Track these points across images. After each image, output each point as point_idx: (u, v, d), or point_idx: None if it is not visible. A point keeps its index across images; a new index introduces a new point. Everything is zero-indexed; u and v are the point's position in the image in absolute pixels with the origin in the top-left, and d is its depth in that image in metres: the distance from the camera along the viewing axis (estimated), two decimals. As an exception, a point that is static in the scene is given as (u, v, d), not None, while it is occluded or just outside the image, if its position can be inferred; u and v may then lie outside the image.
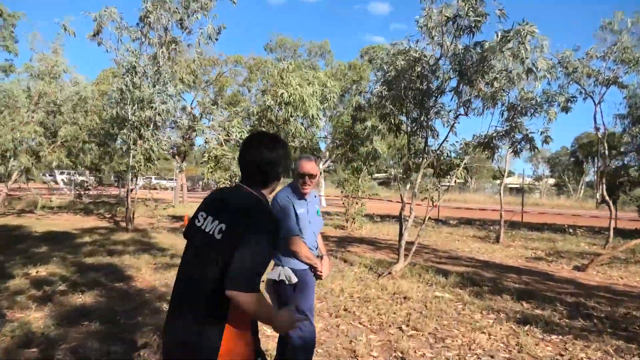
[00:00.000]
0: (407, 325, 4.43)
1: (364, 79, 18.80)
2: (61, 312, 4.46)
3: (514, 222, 16.10)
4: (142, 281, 5.98)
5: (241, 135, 9.78)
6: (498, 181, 49.47)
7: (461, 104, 6.78)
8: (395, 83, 7.09)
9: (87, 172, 19.94)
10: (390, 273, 6.61)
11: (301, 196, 2.83)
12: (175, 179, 27.31)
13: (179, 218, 15.46)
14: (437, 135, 7.41)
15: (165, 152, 19.44)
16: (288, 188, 2.87)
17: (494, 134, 7.10)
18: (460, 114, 6.79)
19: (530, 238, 13.08)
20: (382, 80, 7.37)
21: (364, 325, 4.40)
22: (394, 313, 4.81)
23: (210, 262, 1.51)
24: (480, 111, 6.95)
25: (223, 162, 9.42)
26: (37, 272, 6.28)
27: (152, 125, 11.82)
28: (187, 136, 19.53)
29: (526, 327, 4.51)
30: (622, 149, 13.53)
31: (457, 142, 7.76)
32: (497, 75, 6.42)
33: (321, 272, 2.84)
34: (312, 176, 2.79)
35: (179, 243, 9.11)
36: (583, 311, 5.30)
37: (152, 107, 11.51)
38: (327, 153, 27.27)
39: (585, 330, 4.56)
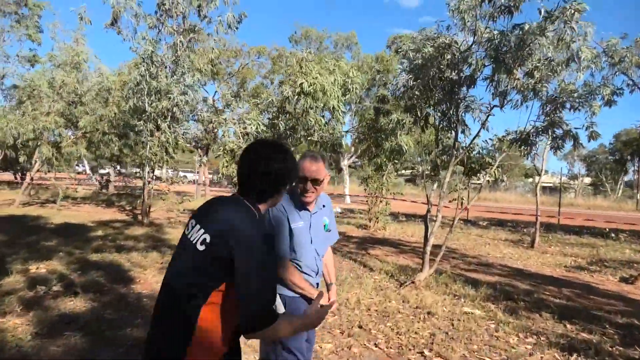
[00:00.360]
0: (431, 350, 3.80)
1: (391, 72, 18.03)
2: (45, 319, 4.06)
3: (549, 224, 15.08)
4: (144, 283, 5.56)
5: (257, 128, 9.27)
6: (530, 180, 47.65)
7: (496, 95, 6.06)
8: (423, 72, 6.43)
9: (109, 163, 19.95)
10: (413, 282, 5.98)
11: (302, 206, 2.23)
12: (197, 172, 27.24)
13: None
14: (469, 131, 6.71)
15: (187, 145, 19.28)
16: (286, 195, 2.27)
17: (532, 130, 6.35)
18: (495, 106, 6.05)
19: (568, 243, 12.10)
20: (407, 68, 6.70)
21: (379, 348, 3.81)
22: (416, 333, 4.19)
23: (186, 272, 1.44)
24: (517, 103, 6.23)
25: (238, 156, 8.92)
26: (37, 268, 5.97)
27: (169, 117, 11.51)
28: (210, 129, 19.25)
29: (572, 358, 3.82)
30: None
31: (490, 138, 7.04)
32: (538, 64, 5.68)
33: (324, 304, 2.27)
34: (316, 181, 2.16)
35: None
36: (638, 336, 4.55)
37: (169, 98, 11.18)
38: (353, 148, 26.65)
39: (645, 363, 3.83)
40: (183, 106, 11.78)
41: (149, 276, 5.89)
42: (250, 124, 9.34)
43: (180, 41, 10.98)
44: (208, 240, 1.42)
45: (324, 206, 2.37)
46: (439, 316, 4.74)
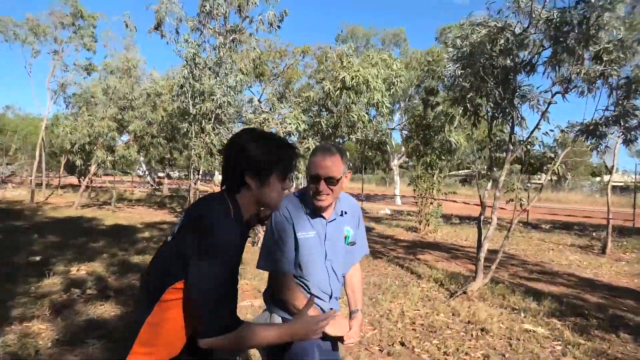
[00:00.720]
0: (484, 377, 3.26)
1: (441, 66, 17.15)
2: (71, 325, 3.92)
3: (623, 227, 13.61)
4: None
5: (297, 127, 8.96)
6: (597, 178, 44.12)
7: (558, 81, 5.34)
8: (471, 60, 5.82)
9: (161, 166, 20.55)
10: (465, 292, 5.37)
11: (315, 212, 1.81)
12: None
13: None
14: (526, 124, 5.98)
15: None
16: (295, 196, 1.86)
17: (601, 120, 5.55)
18: (558, 93, 5.32)
19: (645, 248, 10.81)
20: (455, 57, 6.10)
21: (423, 372, 3.31)
22: (466, 354, 3.65)
23: (153, 265, 1.40)
24: (582, 90, 5.47)
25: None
26: (77, 270, 5.98)
27: (213, 119, 11.51)
28: (257, 131, 19.27)
29: (664, 392, 3.12)
30: None
31: (551, 130, 6.27)
32: (607, 45, 4.92)
33: (341, 335, 1.81)
34: (331, 180, 1.74)
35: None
36: None
37: (212, 99, 11.17)
38: (403, 148, 25.80)
39: None
40: (226, 108, 11.75)
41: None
42: (290, 123, 9.04)
43: (222, 42, 10.92)
44: (175, 232, 1.38)
45: (345, 213, 1.90)
46: (494, 334, 4.15)
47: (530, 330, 4.32)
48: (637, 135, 5.58)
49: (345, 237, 1.89)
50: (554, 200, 30.14)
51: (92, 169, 14.72)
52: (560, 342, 4.05)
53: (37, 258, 6.43)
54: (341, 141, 11.14)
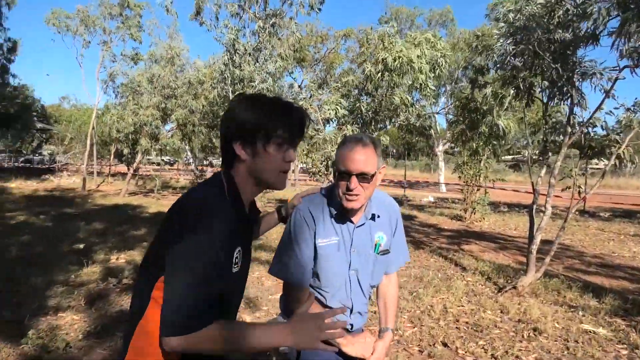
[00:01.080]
0: (538, 385, 2.92)
1: (491, 46, 16.17)
2: (104, 316, 3.91)
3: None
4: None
5: (336, 113, 8.67)
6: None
7: (627, 54, 4.74)
8: (526, 34, 5.30)
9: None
10: (515, 287, 4.96)
11: (342, 214, 1.55)
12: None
13: (284, 202, 15.14)
14: (586, 103, 5.39)
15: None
16: (322, 195, 1.60)
17: None
18: (626, 67, 4.73)
19: None
20: (508, 33, 5.59)
21: (467, 377, 3.02)
22: (517, 357, 3.31)
23: (145, 259, 1.21)
24: None
25: (317, 143, 8.44)
26: (117, 258, 6.07)
27: (253, 106, 11.46)
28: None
29: None
30: None
31: (616, 108, 5.63)
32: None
33: (363, 358, 1.53)
34: (364, 176, 1.46)
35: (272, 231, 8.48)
36: None
37: (252, 86, 11.09)
38: (449, 133, 24.85)
39: None
40: (266, 94, 11.67)
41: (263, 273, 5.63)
42: (329, 109, 8.77)
43: (261, 26, 10.77)
44: (160, 228, 1.18)
45: (378, 216, 1.61)
46: (548, 335, 3.77)
47: (590, 331, 3.90)
48: None
49: (376, 245, 1.61)
50: (613, 187, 28.17)
51: (138, 157, 15.15)
52: (625, 346, 3.61)
53: (81, 246, 6.59)
54: (382, 127, 10.78)
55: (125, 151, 14.60)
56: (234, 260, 1.14)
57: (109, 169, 20.49)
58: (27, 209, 10.21)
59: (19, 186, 16.10)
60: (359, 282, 1.59)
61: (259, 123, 1.14)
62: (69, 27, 16.65)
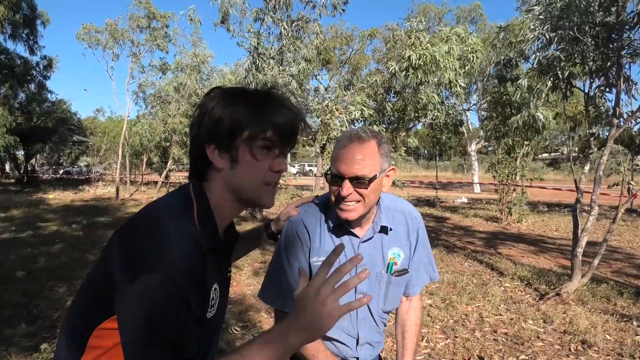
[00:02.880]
0: (590, 408, 2.57)
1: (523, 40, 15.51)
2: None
3: None
4: (235, 285, 5.17)
5: (362, 114, 8.41)
6: None
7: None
8: (562, 19, 4.91)
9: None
10: (559, 294, 4.55)
11: (341, 226, 1.28)
12: (316, 165, 27.50)
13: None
14: (636, 90, 4.93)
15: (304, 138, 19.40)
16: (316, 205, 1.35)
17: None
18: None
19: None
20: (542, 17, 5.20)
21: (508, 398, 2.70)
22: (565, 375, 2.96)
23: (79, 293, 0.89)
24: None
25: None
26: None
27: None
28: (324, 120, 19.04)
29: None
30: None
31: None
32: None
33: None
34: (359, 181, 1.18)
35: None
36: None
37: (275, 90, 11.02)
38: (482, 132, 24.05)
39: None
40: (289, 97, 11.56)
41: (242, 277, 5.50)
42: (355, 110, 8.53)
43: (285, 28, 10.67)
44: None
45: (390, 229, 1.32)
46: (599, 348, 3.38)
47: (647, 345, 3.48)
48: None
49: (389, 265, 1.33)
50: (662, 183, 26.50)
51: (169, 165, 15.35)
52: (691, 362, 3.19)
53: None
54: (410, 127, 10.43)
55: (156, 159, 14.81)
56: (209, 303, 0.87)
57: (142, 177, 20.95)
58: (61, 219, 10.44)
59: (57, 197, 16.62)
60: (369, 309, 1.32)
61: (241, 121, 0.88)
62: (99, 41, 17.15)
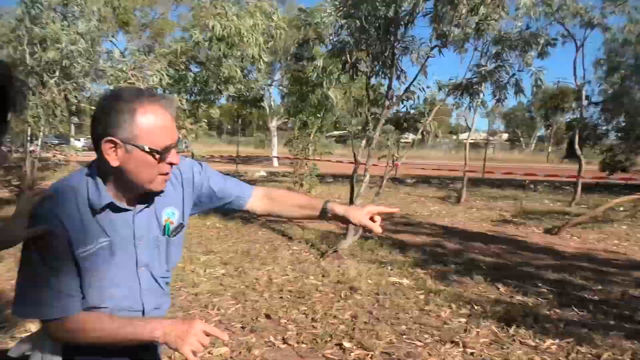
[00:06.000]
0: (351, 339, 3.12)
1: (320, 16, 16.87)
2: None
3: (474, 179, 15.28)
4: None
5: (160, 81, 7.93)
6: (454, 137, 49.37)
7: (437, 35, 5.40)
8: (354, 9, 5.55)
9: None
10: (336, 251, 5.31)
11: (113, 205, 1.12)
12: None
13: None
14: (405, 77, 5.94)
15: (93, 107, 17.07)
16: (70, 187, 1.11)
17: (476, 76, 5.97)
18: (436, 46, 5.39)
19: (492, 196, 12.25)
20: (337, 2, 5.77)
21: (288, 344, 3.05)
22: (335, 317, 3.51)
23: None
24: (460, 44, 5.78)
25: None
26: None
27: (57, 71, 9.71)
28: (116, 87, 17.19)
29: (512, 329, 3.34)
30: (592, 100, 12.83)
31: (428, 87, 6.48)
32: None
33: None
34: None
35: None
36: (572, 293, 4.28)
37: (58, 48, 9.37)
38: (283, 109, 25.38)
39: (585, 325, 3.48)
40: (77, 58, 10.01)
41: (2, 270, 4.52)
42: (152, 75, 7.97)
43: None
44: None
45: (161, 192, 1.20)
46: (362, 291, 4.10)
47: (396, 283, 4.39)
48: (506, 93, 6.23)
49: (166, 227, 1.23)
50: (417, 157, 32.96)
51: None
52: (423, 291, 4.16)
53: None
54: (212, 99, 10.31)
55: None
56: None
57: None
58: None
59: None
60: (153, 277, 1.23)
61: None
62: None
